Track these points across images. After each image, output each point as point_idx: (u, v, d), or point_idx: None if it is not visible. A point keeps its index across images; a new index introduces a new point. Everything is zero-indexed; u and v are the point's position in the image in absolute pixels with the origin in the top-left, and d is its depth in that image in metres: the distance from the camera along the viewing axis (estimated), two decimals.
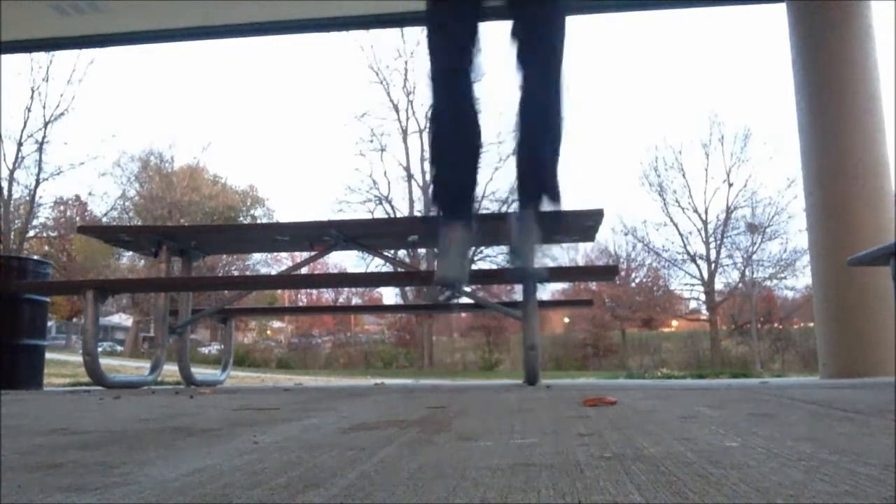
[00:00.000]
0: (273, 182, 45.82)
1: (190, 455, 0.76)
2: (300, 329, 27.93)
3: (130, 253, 18.69)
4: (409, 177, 25.37)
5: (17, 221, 22.95)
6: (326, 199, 39.39)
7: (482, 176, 2.53)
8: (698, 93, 40.79)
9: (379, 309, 18.97)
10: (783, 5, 5.12)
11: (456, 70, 2.34)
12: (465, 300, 3.99)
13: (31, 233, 23.72)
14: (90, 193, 25.90)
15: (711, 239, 23.84)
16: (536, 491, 0.53)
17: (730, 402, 1.36)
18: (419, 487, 0.55)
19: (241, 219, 26.12)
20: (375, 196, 25.14)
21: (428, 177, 25.12)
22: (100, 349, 4.03)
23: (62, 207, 25.05)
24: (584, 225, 3.60)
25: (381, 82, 25.03)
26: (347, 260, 34.92)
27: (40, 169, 22.67)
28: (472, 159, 2.47)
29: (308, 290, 22.72)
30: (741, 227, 23.56)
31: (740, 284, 23.59)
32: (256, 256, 23.34)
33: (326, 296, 22.00)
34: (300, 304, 22.95)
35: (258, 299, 19.98)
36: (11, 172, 22.32)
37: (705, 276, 23.87)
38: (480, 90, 2.44)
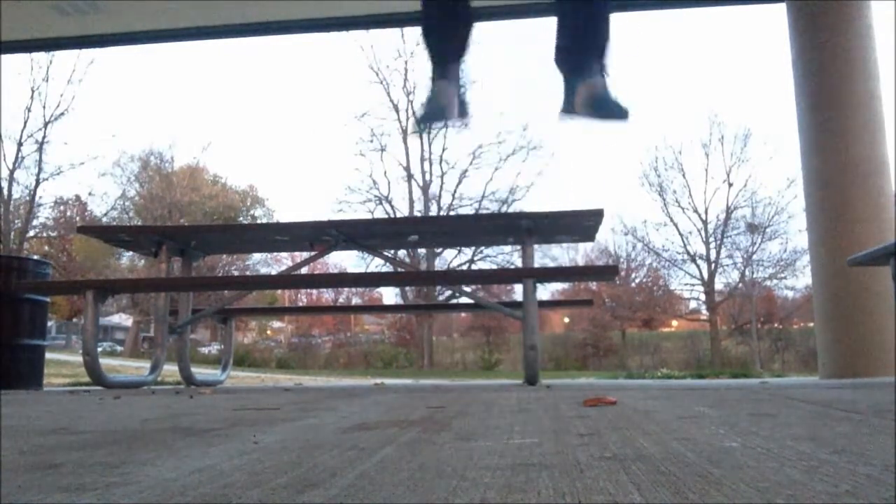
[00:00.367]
0: (273, 182, 45.83)
1: (190, 455, 0.76)
2: (300, 329, 27.93)
3: (130, 253, 18.70)
4: (409, 177, 25.38)
5: (17, 221, 22.95)
6: (326, 199, 39.39)
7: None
8: (698, 93, 40.80)
9: (379, 309, 18.98)
10: (783, 5, 5.12)
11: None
12: (465, 300, 3.99)
13: (31, 233, 23.72)
14: (90, 193, 25.90)
15: (711, 239, 23.85)
16: (536, 491, 0.53)
17: (730, 402, 1.36)
18: (419, 487, 0.55)
19: (241, 219, 26.12)
20: (375, 196, 25.15)
21: (427, 177, 25.13)
22: (100, 349, 4.03)
23: (62, 207, 25.06)
24: (584, 225, 3.60)
25: (381, 82, 25.03)
26: (347, 260, 34.93)
27: (40, 169, 22.68)
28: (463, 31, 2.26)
29: (308, 290, 22.73)
30: (741, 227, 23.58)
31: (740, 284, 23.60)
32: (256, 256, 23.36)
33: (326, 296, 22.03)
34: (300, 304, 22.95)
35: (258, 299, 19.99)
36: (11, 172, 22.33)
37: (705, 276, 23.88)
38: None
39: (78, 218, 24.19)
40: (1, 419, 1.31)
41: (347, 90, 43.87)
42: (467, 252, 22.77)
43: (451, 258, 23.02)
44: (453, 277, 3.60)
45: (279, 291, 22.37)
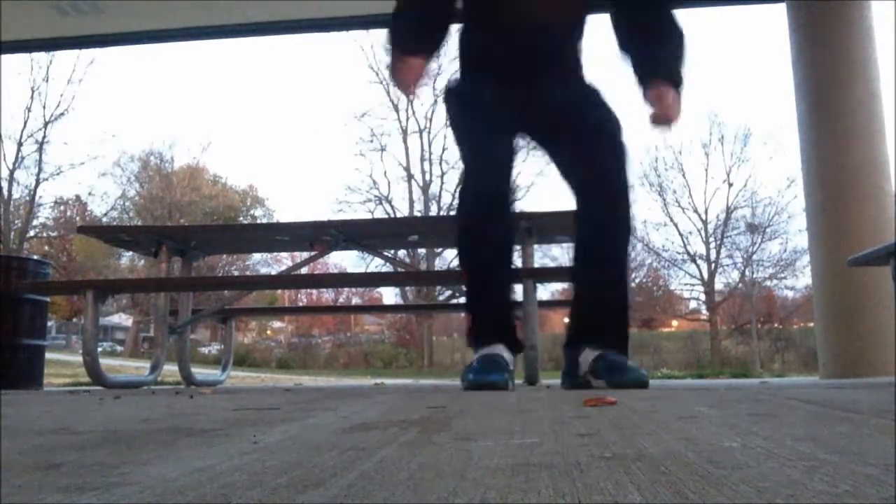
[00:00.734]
0: (273, 182, 45.86)
1: (190, 455, 0.76)
2: (300, 329, 27.94)
3: (130, 253, 18.70)
4: (409, 177, 25.38)
5: (17, 221, 22.95)
6: (326, 199, 39.45)
7: None
8: (698, 93, 40.78)
9: (379, 309, 18.98)
10: (783, 5, 5.12)
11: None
12: (465, 300, 3.98)
13: (31, 233, 23.73)
14: (90, 193, 25.91)
15: (711, 239, 23.85)
16: (536, 491, 0.53)
17: (730, 402, 1.36)
18: (419, 487, 0.55)
19: (241, 219, 26.13)
20: (375, 196, 25.16)
21: (427, 177, 25.11)
22: (100, 349, 4.03)
23: (62, 207, 25.07)
24: None
25: (381, 82, 25.02)
26: (347, 260, 34.94)
27: (40, 169, 22.69)
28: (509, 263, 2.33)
29: (308, 290, 22.73)
30: (741, 227, 23.59)
31: (740, 284, 23.60)
32: (256, 256, 23.37)
33: (326, 296, 22.02)
34: (300, 304, 22.96)
35: (258, 299, 19.98)
36: (11, 172, 22.34)
37: (705, 276, 23.88)
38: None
39: (78, 218, 24.20)
40: (1, 419, 1.31)
41: (347, 90, 43.89)
42: None
43: (451, 258, 23.04)
44: (453, 277, 3.60)
45: (279, 291, 22.37)
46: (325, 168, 43.93)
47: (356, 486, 0.56)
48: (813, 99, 4.79)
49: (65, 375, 9.82)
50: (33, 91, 22.27)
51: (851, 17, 4.77)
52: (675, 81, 2.22)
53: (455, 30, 2.37)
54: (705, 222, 23.86)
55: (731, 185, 23.71)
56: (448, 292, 13.66)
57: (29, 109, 22.27)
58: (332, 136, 45.07)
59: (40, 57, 21.50)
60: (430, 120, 24.93)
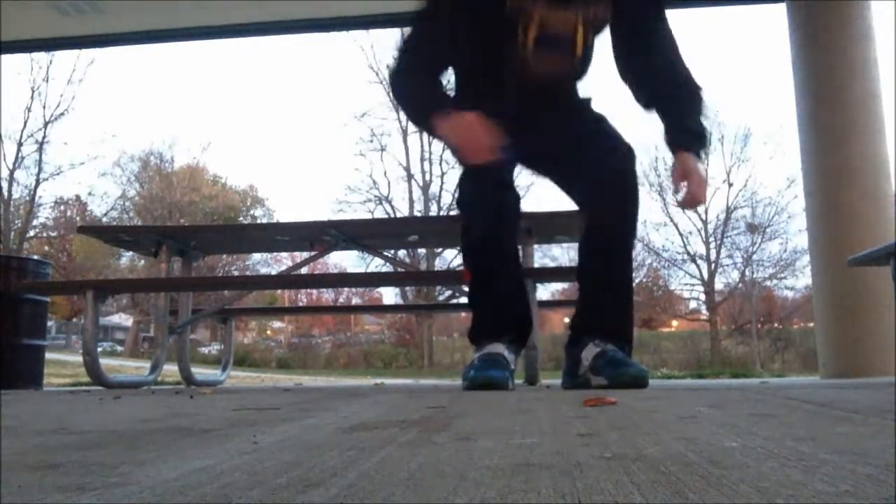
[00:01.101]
0: (273, 182, 45.87)
1: (190, 455, 0.76)
2: (300, 329, 27.93)
3: (130, 253, 18.70)
4: (409, 177, 25.38)
5: (17, 221, 22.95)
6: (326, 199, 39.46)
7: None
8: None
9: (379, 309, 18.99)
10: (783, 5, 5.12)
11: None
12: (465, 300, 3.99)
13: (31, 233, 23.73)
14: (90, 193, 25.90)
15: (711, 239, 23.85)
16: (536, 491, 0.53)
17: (730, 402, 1.36)
18: (419, 487, 0.55)
19: (241, 219, 26.13)
20: (375, 196, 25.15)
21: (427, 177, 25.11)
22: (100, 349, 4.03)
23: (62, 207, 25.07)
24: None
25: (381, 82, 25.01)
26: (347, 260, 34.96)
27: (40, 169, 22.69)
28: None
29: (308, 290, 22.72)
30: (741, 227, 23.58)
31: (740, 284, 23.60)
32: (256, 256, 23.36)
33: (326, 296, 22.03)
34: (300, 304, 22.96)
35: (258, 299, 19.97)
36: (11, 172, 22.34)
37: (705, 276, 23.87)
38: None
39: (78, 218, 24.20)
40: (1, 419, 1.31)
41: (347, 90, 43.90)
42: None
43: (451, 258, 23.03)
44: (453, 277, 3.60)
45: (279, 291, 22.37)
46: (325, 168, 43.96)
47: (356, 486, 0.56)
48: (813, 99, 4.79)
49: (65, 375, 9.83)
50: (33, 91, 22.28)
51: (851, 17, 4.77)
52: (700, 149, 2.20)
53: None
54: (705, 222, 23.86)
55: (731, 185, 23.72)
56: (448, 292, 13.66)
57: (29, 109, 22.27)
58: (332, 136, 45.09)
59: (40, 57, 21.51)
60: None
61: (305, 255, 4.11)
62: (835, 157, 4.63)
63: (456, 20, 2.17)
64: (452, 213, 23.80)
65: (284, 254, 18.44)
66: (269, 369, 21.05)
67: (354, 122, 33.35)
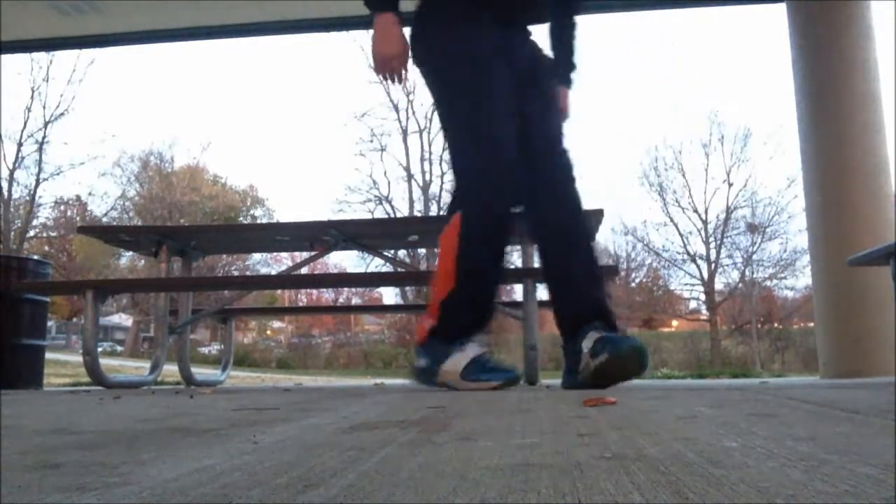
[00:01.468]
0: (273, 182, 45.88)
1: (190, 455, 0.76)
2: (300, 329, 27.93)
3: (130, 253, 18.69)
4: (409, 177, 25.39)
5: (17, 221, 22.95)
6: (326, 199, 39.47)
7: None
8: (698, 93, 40.85)
9: (379, 309, 18.98)
10: (783, 5, 5.12)
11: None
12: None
13: (31, 233, 23.73)
14: (90, 193, 25.94)
15: (711, 239, 23.85)
16: (536, 491, 0.53)
17: (730, 402, 1.36)
18: (419, 487, 0.55)
19: (241, 219, 26.13)
20: (375, 196, 25.16)
21: (427, 177, 25.11)
22: (100, 349, 4.03)
23: (62, 207, 25.07)
24: None
25: (381, 82, 25.02)
26: (347, 260, 34.97)
27: (40, 169, 22.70)
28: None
29: (308, 290, 22.72)
30: (741, 227, 23.59)
31: (740, 284, 23.60)
32: (256, 256, 23.35)
33: (326, 296, 22.03)
34: (300, 304, 22.95)
35: (258, 299, 19.97)
36: (11, 172, 22.35)
37: (705, 276, 23.88)
38: None
39: (78, 218, 24.20)
40: (1, 419, 1.31)
41: (347, 90, 43.91)
42: None
43: None
44: None
45: (279, 291, 22.36)
46: (325, 168, 43.97)
47: (356, 486, 0.56)
48: (813, 99, 4.79)
49: (65, 375, 9.83)
50: (33, 91, 22.30)
51: (851, 17, 4.77)
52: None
53: None
54: (705, 222, 23.87)
55: (731, 185, 23.73)
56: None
57: (29, 109, 22.29)
58: (332, 136, 45.10)
59: (40, 57, 21.52)
60: (430, 120, 24.94)
61: (305, 255, 4.11)
62: (835, 157, 4.63)
63: None
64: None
65: (284, 254, 18.45)
66: (269, 369, 21.05)
67: (354, 122, 33.37)
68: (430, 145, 25.20)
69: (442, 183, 25.26)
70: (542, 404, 1.38)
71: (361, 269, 19.26)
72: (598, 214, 3.42)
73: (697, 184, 29.99)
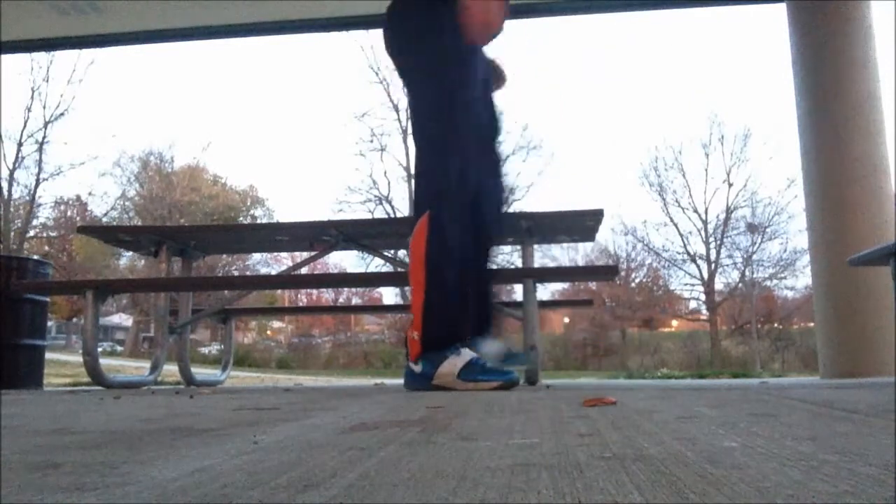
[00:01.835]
0: (273, 182, 45.88)
1: (190, 455, 0.76)
2: (300, 329, 27.93)
3: (130, 253, 18.69)
4: (409, 177, 25.36)
5: (17, 221, 22.95)
6: (326, 199, 39.47)
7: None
8: (698, 93, 40.85)
9: (379, 309, 18.95)
10: (783, 5, 5.11)
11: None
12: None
13: (31, 233, 23.72)
14: (90, 193, 25.95)
15: (711, 239, 23.86)
16: (536, 491, 0.53)
17: (730, 402, 1.36)
18: (419, 487, 0.55)
19: (241, 219, 26.12)
20: (375, 196, 25.15)
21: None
22: (100, 349, 4.03)
23: (62, 207, 25.07)
24: (584, 225, 3.60)
25: (381, 82, 25.05)
26: (347, 260, 34.97)
27: (40, 169, 22.69)
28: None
29: (308, 290, 22.72)
30: (741, 227, 23.60)
31: (740, 284, 23.60)
32: (256, 256, 23.37)
33: (326, 296, 22.02)
34: (300, 304, 22.95)
35: (258, 299, 19.97)
36: (11, 172, 22.34)
37: (705, 276, 23.88)
38: None
39: (78, 218, 24.20)
40: (1, 419, 1.31)
41: (347, 90, 43.91)
42: None
43: None
44: None
45: (279, 291, 22.36)
46: (325, 168, 43.98)
47: (356, 486, 0.56)
48: (813, 99, 4.79)
49: (65, 375, 9.82)
50: (33, 91, 22.29)
51: (851, 17, 4.77)
52: None
53: None
54: (705, 222, 23.88)
55: (731, 185, 23.73)
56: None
57: (29, 109, 22.29)
58: (332, 136, 45.11)
59: (40, 57, 21.52)
60: None
61: (305, 255, 4.11)
62: (835, 157, 4.62)
63: None
64: None
65: (284, 254, 18.45)
66: (269, 369, 21.05)
67: (354, 122, 33.37)
68: None
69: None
70: (542, 404, 1.38)
71: (361, 269, 19.25)
72: (598, 214, 3.42)
73: (697, 184, 30.07)
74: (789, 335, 22.89)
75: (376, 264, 19.61)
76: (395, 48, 2.36)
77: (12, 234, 22.18)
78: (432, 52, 2.29)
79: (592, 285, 22.06)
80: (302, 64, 43.08)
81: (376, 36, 24.39)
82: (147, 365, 4.26)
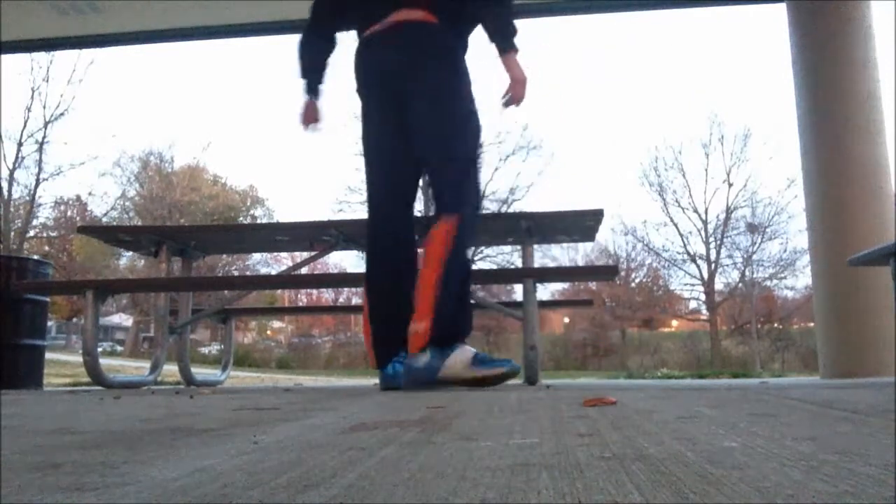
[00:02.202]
0: (273, 182, 45.88)
1: (190, 455, 0.76)
2: (300, 329, 27.93)
3: (130, 253, 18.68)
4: None
5: (17, 221, 22.94)
6: (326, 199, 39.44)
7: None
8: (698, 93, 40.85)
9: None
10: (783, 5, 5.11)
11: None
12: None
13: (31, 233, 23.71)
14: (90, 193, 25.90)
15: (711, 239, 23.85)
16: (536, 491, 0.53)
17: (730, 402, 1.36)
18: (419, 487, 0.55)
19: (241, 219, 26.12)
20: None
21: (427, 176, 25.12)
22: (100, 349, 4.03)
23: (62, 207, 25.06)
24: (584, 225, 3.60)
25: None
26: (347, 260, 34.92)
27: (40, 169, 22.66)
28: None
29: (308, 290, 22.72)
30: (741, 227, 23.59)
31: (740, 284, 23.60)
32: (256, 256, 23.35)
33: (326, 296, 22.02)
34: (300, 304, 22.94)
35: (258, 299, 19.96)
36: (11, 172, 22.31)
37: (705, 276, 23.87)
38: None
39: (78, 218, 24.19)
40: (1, 419, 1.31)
41: (348, 90, 43.87)
42: None
43: None
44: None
45: (279, 291, 22.36)
46: (325, 168, 43.97)
47: (356, 486, 0.56)
48: (813, 99, 4.78)
49: (65, 375, 9.82)
50: (33, 91, 22.26)
51: (851, 17, 4.77)
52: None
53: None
54: (705, 222, 23.87)
55: (731, 185, 23.72)
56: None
57: (29, 109, 22.25)
58: (332, 136, 45.07)
59: (40, 57, 21.48)
60: None
61: (305, 255, 4.11)
62: (835, 157, 4.62)
63: None
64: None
65: (284, 254, 18.44)
66: (269, 369, 21.05)
67: (354, 122, 33.27)
68: None
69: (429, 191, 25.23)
70: (542, 404, 1.38)
71: (361, 269, 19.23)
72: (598, 214, 3.42)
73: (697, 184, 30.06)
74: (789, 335, 22.89)
75: None
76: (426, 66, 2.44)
77: (12, 234, 22.16)
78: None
79: (592, 285, 22.06)
80: None
81: None
82: (147, 365, 4.26)
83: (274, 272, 18.88)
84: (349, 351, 25.98)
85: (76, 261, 23.69)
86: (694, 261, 23.98)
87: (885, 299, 3.99)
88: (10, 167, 22.25)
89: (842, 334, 4.50)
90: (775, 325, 23.58)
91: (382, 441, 0.83)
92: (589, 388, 2.47)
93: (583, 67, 40.96)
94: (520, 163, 27.89)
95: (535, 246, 3.66)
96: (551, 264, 19.69)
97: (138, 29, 6.36)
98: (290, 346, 27.22)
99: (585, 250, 23.94)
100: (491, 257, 22.33)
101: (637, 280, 25.99)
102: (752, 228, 23.13)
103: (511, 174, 32.17)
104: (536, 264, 3.89)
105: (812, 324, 7.28)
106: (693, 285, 24.62)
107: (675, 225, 23.98)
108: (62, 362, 12.35)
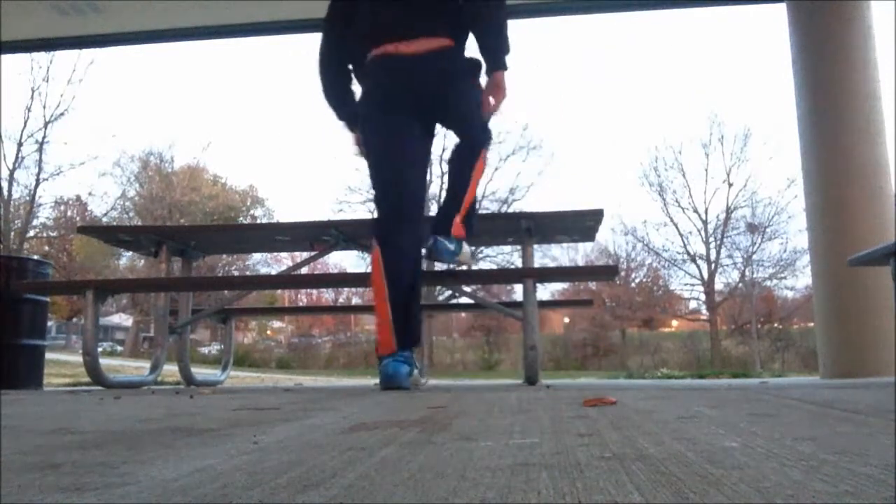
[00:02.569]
0: (273, 182, 45.88)
1: (190, 455, 0.76)
2: (300, 329, 27.93)
3: (130, 253, 18.68)
4: None
5: (17, 221, 22.94)
6: (326, 199, 39.44)
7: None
8: (698, 93, 40.84)
9: None
10: (783, 5, 5.11)
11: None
12: (465, 300, 3.99)
13: (31, 233, 23.71)
14: (90, 193, 25.93)
15: (711, 239, 23.85)
16: (536, 491, 0.53)
17: (730, 402, 1.36)
18: (419, 487, 0.55)
19: (241, 219, 26.12)
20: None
21: (427, 176, 25.13)
22: (100, 349, 4.03)
23: (62, 207, 25.06)
24: (584, 225, 3.60)
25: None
26: (347, 260, 34.95)
27: (40, 169, 22.66)
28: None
29: (308, 290, 22.72)
30: (741, 227, 23.58)
31: (740, 284, 23.59)
32: (256, 256, 23.36)
33: (326, 296, 22.02)
34: (300, 304, 22.94)
35: (258, 299, 19.97)
36: (11, 172, 22.31)
37: (705, 276, 23.87)
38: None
39: (78, 218, 24.18)
40: (1, 419, 1.31)
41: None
42: None
43: None
44: (453, 277, 3.60)
45: (279, 291, 22.36)
46: (325, 168, 43.98)
47: (356, 486, 0.56)
48: (813, 99, 4.78)
49: (65, 375, 9.82)
50: (33, 91, 22.25)
51: (851, 17, 4.77)
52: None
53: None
54: (705, 222, 23.87)
55: (731, 185, 23.72)
56: (448, 292, 13.65)
57: (29, 109, 22.25)
58: (332, 136, 45.10)
59: (40, 57, 21.48)
60: None
61: (305, 255, 4.10)
62: (835, 157, 4.62)
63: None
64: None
65: (284, 254, 18.45)
66: (269, 369, 21.06)
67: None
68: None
69: (442, 183, 25.24)
70: (542, 404, 1.38)
71: (361, 269, 19.24)
72: (598, 214, 3.42)
73: (697, 184, 30.08)
74: (789, 335, 22.88)
75: None
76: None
77: (12, 234, 22.16)
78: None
79: (592, 285, 22.06)
80: (302, 64, 43.07)
81: None
82: (147, 365, 4.26)
83: (274, 272, 18.89)
84: (349, 351, 25.98)
85: (76, 261, 23.69)
86: (694, 261, 24.00)
87: (885, 299, 3.99)
88: (10, 167, 22.27)
89: (842, 334, 4.50)
90: (775, 325, 23.58)
91: (382, 441, 0.83)
92: (589, 388, 2.47)
93: (583, 67, 40.97)
94: (520, 163, 27.95)
95: (535, 246, 3.66)
96: (551, 264, 19.71)
97: (138, 29, 6.36)
98: (290, 346, 27.22)
99: (585, 250, 23.97)
100: (491, 257, 22.35)
101: (637, 280, 26.00)
102: (752, 228, 23.14)
103: (511, 174, 32.22)
104: (536, 264, 3.89)
105: (812, 324, 7.28)
106: (693, 285, 24.65)
107: (675, 225, 24.00)
108: (62, 362, 12.35)
